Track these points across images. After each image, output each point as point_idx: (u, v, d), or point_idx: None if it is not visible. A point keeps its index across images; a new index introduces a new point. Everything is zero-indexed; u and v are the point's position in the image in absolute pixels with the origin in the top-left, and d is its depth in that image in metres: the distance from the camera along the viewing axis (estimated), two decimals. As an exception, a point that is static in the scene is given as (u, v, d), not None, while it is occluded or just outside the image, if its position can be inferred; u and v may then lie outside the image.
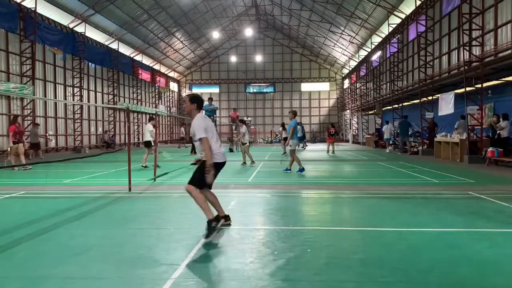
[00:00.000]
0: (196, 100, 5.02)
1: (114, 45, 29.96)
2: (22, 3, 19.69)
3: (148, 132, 13.25)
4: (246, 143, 13.70)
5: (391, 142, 22.67)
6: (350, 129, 39.29)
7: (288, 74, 46.87)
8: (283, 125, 20.51)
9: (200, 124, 4.80)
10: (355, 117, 39.01)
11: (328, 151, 21.44)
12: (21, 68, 20.02)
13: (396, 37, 25.36)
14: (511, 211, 5.84)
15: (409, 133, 21.24)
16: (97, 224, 5.21)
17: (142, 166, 12.77)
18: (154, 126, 13.72)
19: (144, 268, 3.52)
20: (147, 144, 13.23)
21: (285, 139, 19.95)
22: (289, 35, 44.70)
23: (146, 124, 13.63)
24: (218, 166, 4.88)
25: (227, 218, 4.96)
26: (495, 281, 3.18)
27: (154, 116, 13.75)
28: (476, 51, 15.28)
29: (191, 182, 4.74)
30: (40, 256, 3.89)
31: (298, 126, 28.25)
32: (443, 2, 18.95)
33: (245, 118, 31.15)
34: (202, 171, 4.70)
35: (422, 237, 4.49)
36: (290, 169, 11.33)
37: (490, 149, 12.89)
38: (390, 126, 22.63)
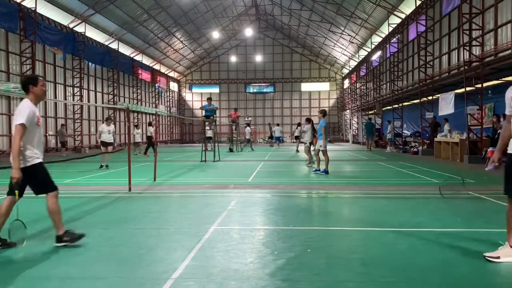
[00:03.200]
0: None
1: (114, 45, 29.97)
2: (22, 3, 19.70)
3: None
4: (306, 143, 13.62)
5: (390, 141, 22.70)
6: (350, 129, 39.29)
7: (288, 74, 46.88)
8: (299, 124, 20.58)
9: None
10: (355, 117, 39.00)
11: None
12: (21, 68, 20.03)
13: (396, 37, 25.36)
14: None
15: (373, 132, 24.88)
16: (97, 224, 5.21)
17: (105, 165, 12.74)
18: (136, 126, 14.00)
19: (144, 268, 3.52)
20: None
21: (297, 137, 21.22)
22: (289, 35, 44.71)
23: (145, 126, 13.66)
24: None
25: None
26: (495, 281, 3.18)
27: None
28: (476, 51, 15.29)
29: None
30: (40, 256, 3.89)
31: (278, 127, 29.38)
32: (443, 2, 18.95)
33: (246, 118, 31.20)
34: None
35: (422, 237, 4.49)
36: (319, 169, 11.02)
37: (490, 149, 12.89)
38: (391, 125, 22.61)
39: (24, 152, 3.99)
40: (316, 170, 11.12)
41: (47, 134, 22.12)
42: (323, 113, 11.31)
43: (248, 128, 27.83)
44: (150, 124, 21.05)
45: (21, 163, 3.94)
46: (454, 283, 3.16)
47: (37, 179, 4.14)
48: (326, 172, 10.76)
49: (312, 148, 12.19)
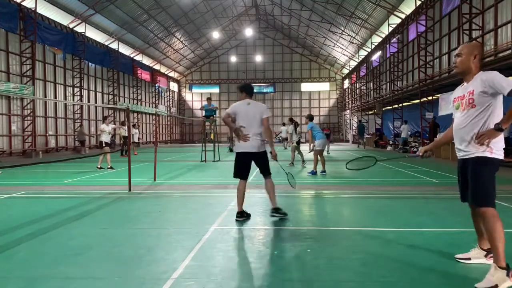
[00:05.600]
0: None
1: (114, 45, 29.98)
2: (22, 3, 19.71)
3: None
4: (293, 143, 13.77)
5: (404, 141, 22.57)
6: (350, 129, 39.30)
7: (288, 74, 46.89)
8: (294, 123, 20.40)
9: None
10: (355, 117, 39.02)
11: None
12: (21, 68, 20.04)
13: (396, 37, 25.37)
14: (511, 211, 5.84)
15: (364, 133, 29.09)
16: (97, 224, 5.21)
17: (107, 167, 12.44)
18: (133, 126, 13.39)
19: (144, 268, 3.52)
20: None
21: (286, 139, 21.49)
22: (289, 35, 44.72)
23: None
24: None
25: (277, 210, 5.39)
26: (495, 281, 3.18)
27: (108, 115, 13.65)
28: (476, 51, 15.28)
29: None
30: (40, 256, 3.89)
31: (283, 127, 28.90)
32: (443, 2, 18.97)
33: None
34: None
35: (422, 237, 4.49)
36: (316, 171, 10.98)
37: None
38: (407, 126, 22.39)
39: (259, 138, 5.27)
40: (322, 172, 11.09)
41: (47, 134, 22.12)
42: (309, 118, 11.54)
43: (283, 127, 26.58)
44: (123, 123, 20.21)
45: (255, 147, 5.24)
46: (454, 283, 3.16)
47: (264, 162, 5.34)
48: (313, 173, 10.79)
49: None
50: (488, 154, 3.16)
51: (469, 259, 3.54)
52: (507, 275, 2.98)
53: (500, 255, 3.02)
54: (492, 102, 3.12)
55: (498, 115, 3.13)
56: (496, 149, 3.17)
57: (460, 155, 3.39)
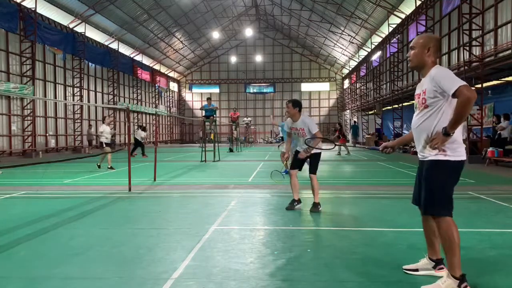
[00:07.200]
0: (298, 104, 6.09)
1: (114, 45, 29.98)
2: (22, 3, 19.71)
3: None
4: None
5: None
6: (350, 129, 39.29)
7: (288, 74, 46.89)
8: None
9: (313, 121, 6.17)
10: (355, 117, 39.02)
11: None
12: (21, 68, 20.04)
13: (396, 37, 25.36)
14: (511, 211, 5.84)
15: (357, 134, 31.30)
16: (97, 224, 5.21)
17: (107, 167, 12.38)
18: (108, 125, 13.04)
19: (144, 268, 3.52)
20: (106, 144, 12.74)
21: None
22: (289, 35, 44.72)
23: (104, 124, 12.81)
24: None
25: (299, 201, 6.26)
26: (495, 281, 3.18)
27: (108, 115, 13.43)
28: (476, 51, 15.29)
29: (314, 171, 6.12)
30: (40, 256, 3.89)
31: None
32: (443, 2, 18.96)
33: (245, 119, 31.22)
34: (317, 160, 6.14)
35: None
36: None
37: (490, 149, 12.90)
38: None
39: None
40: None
41: (47, 134, 22.12)
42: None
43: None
44: (144, 128, 19.83)
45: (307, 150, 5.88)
46: (454, 283, 3.15)
47: (314, 161, 6.18)
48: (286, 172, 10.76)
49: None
50: (441, 157, 2.88)
51: (417, 270, 3.31)
52: (458, 286, 2.82)
53: (455, 264, 2.85)
54: (443, 102, 2.86)
55: (449, 117, 2.83)
56: (450, 150, 2.87)
57: (419, 156, 3.15)
